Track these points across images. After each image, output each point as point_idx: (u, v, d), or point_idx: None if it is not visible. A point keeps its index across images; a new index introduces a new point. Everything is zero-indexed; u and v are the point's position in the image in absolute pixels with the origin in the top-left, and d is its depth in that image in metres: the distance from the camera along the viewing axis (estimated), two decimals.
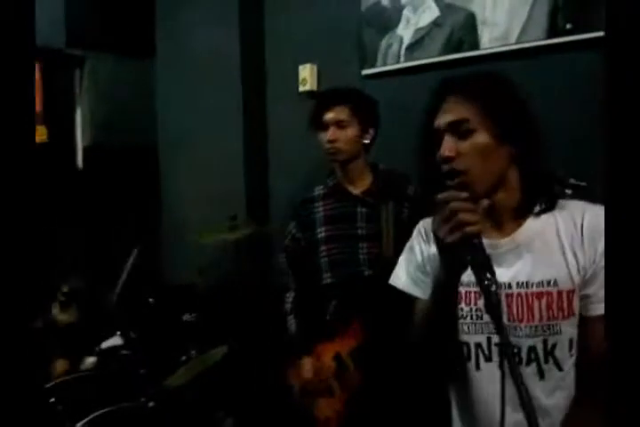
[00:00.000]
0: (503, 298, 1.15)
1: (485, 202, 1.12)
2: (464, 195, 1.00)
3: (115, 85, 3.44)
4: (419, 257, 1.30)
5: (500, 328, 0.98)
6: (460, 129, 1.13)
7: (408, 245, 1.36)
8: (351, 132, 2.04)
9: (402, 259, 1.36)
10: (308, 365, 2.05)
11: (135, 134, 3.47)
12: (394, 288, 1.35)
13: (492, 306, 0.98)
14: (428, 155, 1.18)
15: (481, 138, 1.12)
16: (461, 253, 1.01)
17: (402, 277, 1.33)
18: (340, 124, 2.02)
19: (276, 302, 2.21)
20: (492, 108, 1.13)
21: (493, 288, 0.97)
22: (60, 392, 2.14)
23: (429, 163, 1.17)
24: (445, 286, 1.10)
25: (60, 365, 2.40)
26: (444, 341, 1.20)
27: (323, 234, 2.12)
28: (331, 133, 2.02)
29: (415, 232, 1.35)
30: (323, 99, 2.12)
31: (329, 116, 2.03)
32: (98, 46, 3.37)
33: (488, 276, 0.98)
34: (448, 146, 1.13)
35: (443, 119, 1.15)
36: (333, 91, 2.14)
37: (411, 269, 1.31)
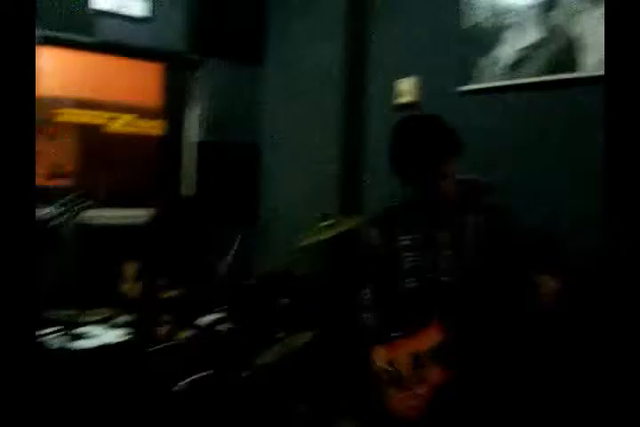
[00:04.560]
0: None
1: None
2: None
3: (226, 88, 3.75)
4: None
5: None
6: None
7: None
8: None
9: None
10: (382, 355, 2.20)
11: (241, 132, 3.79)
12: None
13: None
14: None
15: None
16: None
17: None
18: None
19: (355, 297, 2.38)
20: None
21: None
22: (163, 357, 2.44)
23: None
24: None
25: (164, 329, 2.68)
26: None
27: (407, 242, 2.25)
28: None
29: None
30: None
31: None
32: (214, 52, 3.70)
33: None
34: None
35: None
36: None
37: None
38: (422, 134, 2.05)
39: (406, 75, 2.97)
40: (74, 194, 1.56)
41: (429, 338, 2.16)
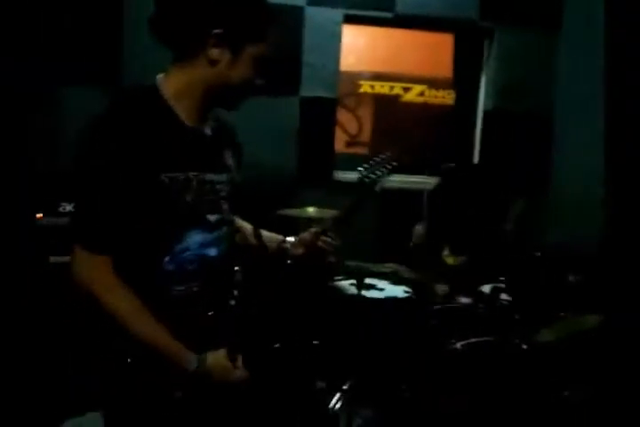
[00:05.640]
0: None
1: None
2: None
3: (519, 54, 3.61)
4: None
5: None
6: None
7: None
8: None
9: None
10: None
11: (532, 102, 3.62)
12: None
13: None
14: None
15: None
16: None
17: None
18: None
19: None
20: None
21: None
22: (442, 316, 2.52)
23: None
24: None
25: (441, 288, 2.77)
26: None
27: None
28: None
29: None
30: None
31: None
32: (508, 19, 3.58)
33: None
34: None
35: None
36: None
37: None
38: None
39: None
40: (382, 156, 1.69)
41: None
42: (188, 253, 1.27)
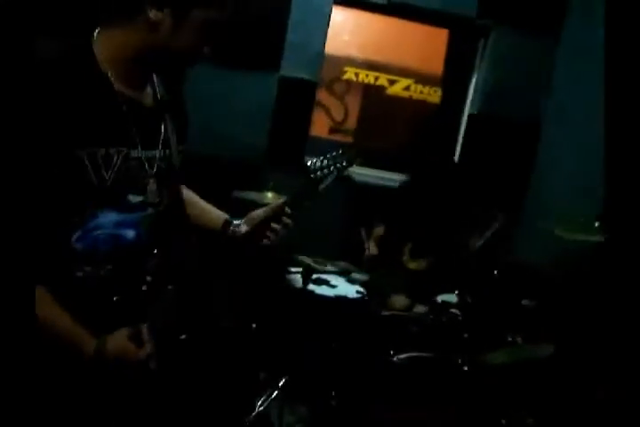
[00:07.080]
0: None
1: None
2: None
3: (514, 57, 3.47)
4: None
5: None
6: None
7: None
8: None
9: None
10: None
11: (521, 108, 3.49)
12: None
13: None
14: None
15: None
16: None
17: None
18: None
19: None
20: None
21: None
22: (391, 325, 2.40)
23: None
24: None
25: (401, 301, 2.65)
26: None
27: None
28: None
29: None
30: None
31: None
32: (506, 19, 3.42)
33: None
34: None
35: None
36: None
37: None
38: None
39: None
40: (345, 149, 1.56)
41: None
42: (99, 231, 1.13)
